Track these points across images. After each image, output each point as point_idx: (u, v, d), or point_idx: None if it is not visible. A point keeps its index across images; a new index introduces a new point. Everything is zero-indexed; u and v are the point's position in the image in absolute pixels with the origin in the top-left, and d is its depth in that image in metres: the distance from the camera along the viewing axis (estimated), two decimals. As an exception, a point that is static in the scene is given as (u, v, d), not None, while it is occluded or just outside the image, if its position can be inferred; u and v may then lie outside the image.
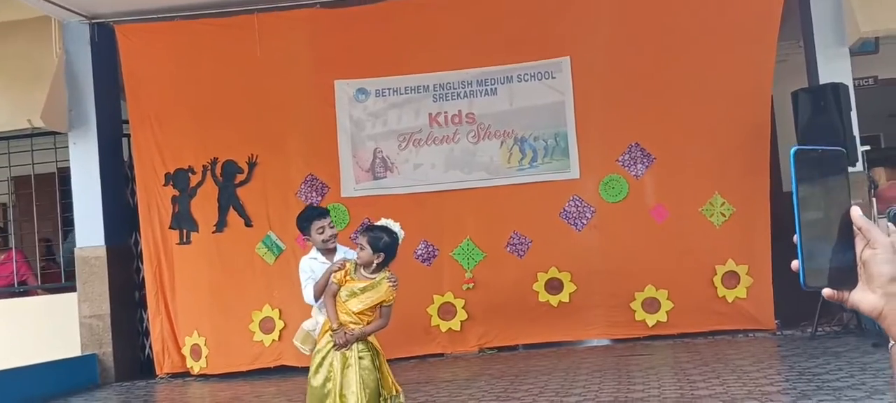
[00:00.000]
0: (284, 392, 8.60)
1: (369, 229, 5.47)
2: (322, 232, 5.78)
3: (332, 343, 5.28)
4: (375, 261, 5.33)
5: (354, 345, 5.24)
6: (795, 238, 1.28)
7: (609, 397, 6.67)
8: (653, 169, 9.82)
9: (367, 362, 5.25)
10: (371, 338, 5.34)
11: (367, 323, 5.30)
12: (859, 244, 1.31)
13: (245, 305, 9.95)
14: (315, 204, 9.90)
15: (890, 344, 1.45)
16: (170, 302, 10.25)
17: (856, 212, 1.31)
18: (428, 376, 8.71)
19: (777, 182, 9.90)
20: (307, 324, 5.68)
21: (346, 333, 5.23)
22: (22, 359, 9.50)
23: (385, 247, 5.34)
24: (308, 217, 5.93)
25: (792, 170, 1.28)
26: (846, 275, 1.30)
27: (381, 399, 5.30)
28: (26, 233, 11.87)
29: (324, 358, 5.30)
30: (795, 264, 1.29)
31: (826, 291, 1.31)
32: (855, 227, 1.31)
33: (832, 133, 8.58)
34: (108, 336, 10.19)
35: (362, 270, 5.37)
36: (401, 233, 5.47)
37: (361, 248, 5.36)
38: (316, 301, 5.60)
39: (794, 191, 1.27)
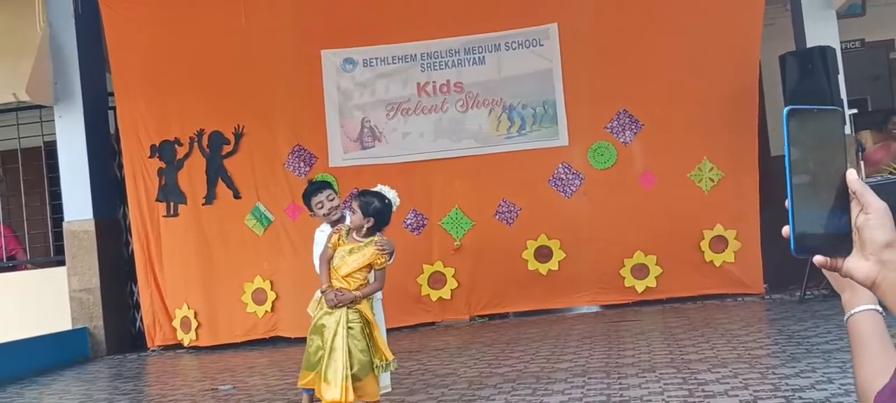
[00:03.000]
0: (277, 362, 8.62)
1: (362, 194, 5.50)
2: (321, 207, 5.83)
3: (325, 312, 5.30)
4: (365, 225, 5.34)
5: (345, 314, 5.25)
6: (787, 203, 1.22)
7: (599, 362, 6.71)
8: (641, 135, 9.82)
9: (356, 330, 5.28)
10: (362, 309, 5.33)
11: (356, 288, 5.31)
12: (854, 209, 1.26)
13: (236, 277, 9.94)
14: (303, 175, 9.90)
15: (845, 316, 1.42)
16: (159, 275, 10.24)
17: (852, 176, 1.25)
18: (419, 344, 8.75)
19: (765, 146, 9.92)
20: (319, 293, 5.67)
21: (336, 293, 5.25)
22: (12, 334, 9.49)
23: (375, 212, 5.35)
24: (307, 194, 6.00)
25: (785, 132, 1.22)
26: (840, 242, 1.25)
27: (374, 366, 5.31)
28: (14, 208, 11.81)
29: (321, 326, 5.32)
30: (786, 230, 1.23)
31: (818, 258, 1.25)
32: (850, 191, 1.26)
33: (820, 96, 8.59)
34: (98, 309, 10.18)
35: (354, 234, 5.39)
36: (395, 201, 5.49)
37: (353, 212, 5.42)
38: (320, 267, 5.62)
39: (786, 153, 1.22)
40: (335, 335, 5.23)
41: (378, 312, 5.71)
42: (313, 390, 5.36)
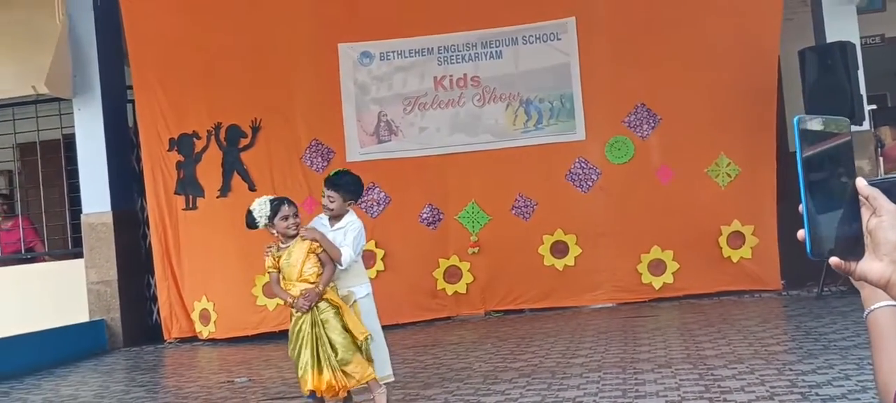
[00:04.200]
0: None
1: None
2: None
3: (300, 317, 5.42)
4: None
5: (315, 310, 5.38)
6: (801, 207, 1.26)
7: (615, 358, 6.69)
8: (659, 129, 9.78)
9: (330, 319, 5.38)
10: (329, 296, 5.44)
11: (315, 280, 5.41)
12: (865, 213, 1.29)
13: (249, 270, 9.94)
14: (320, 170, 9.87)
15: (865, 312, 1.43)
16: (176, 268, 10.27)
17: (861, 182, 1.29)
18: (435, 339, 8.74)
19: (784, 141, 9.86)
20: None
21: (303, 298, 5.37)
22: (30, 325, 9.55)
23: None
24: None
25: (796, 139, 1.26)
26: (852, 245, 1.28)
27: (360, 349, 5.42)
28: (32, 200, 11.88)
29: (297, 330, 5.45)
30: (802, 233, 1.27)
31: (833, 260, 1.28)
32: (861, 197, 1.29)
33: (839, 92, 8.53)
34: (115, 301, 10.24)
35: (280, 243, 5.53)
36: (258, 207, 5.51)
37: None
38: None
39: (798, 159, 1.25)
40: (311, 335, 5.37)
41: (368, 307, 5.70)
42: (314, 392, 5.41)
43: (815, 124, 1.28)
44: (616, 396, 5.35)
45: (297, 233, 5.53)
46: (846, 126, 1.30)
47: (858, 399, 4.70)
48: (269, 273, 5.61)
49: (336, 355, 5.32)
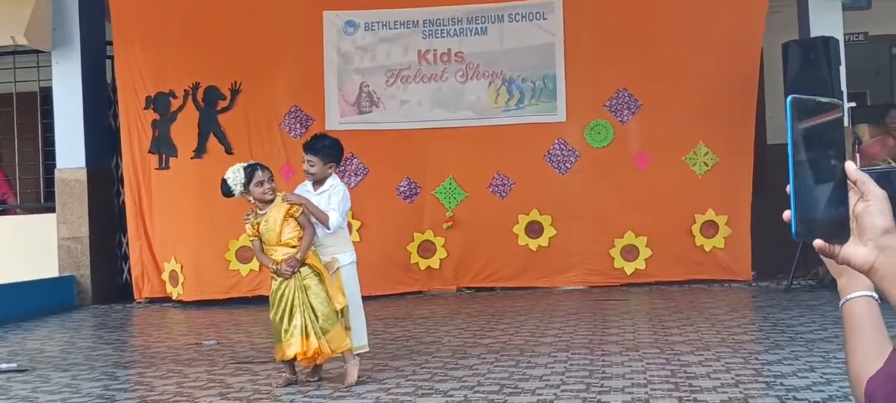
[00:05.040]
0: (261, 321, 8.58)
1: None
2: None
3: (282, 282, 5.45)
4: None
5: (299, 273, 5.42)
6: (788, 188, 1.25)
7: (584, 339, 6.71)
8: (639, 115, 9.80)
9: (312, 286, 5.42)
10: (310, 261, 5.46)
11: (294, 246, 5.43)
12: (853, 197, 1.28)
13: (222, 233, 9.88)
14: (299, 136, 9.83)
15: (841, 301, 1.43)
16: (149, 227, 10.20)
17: (850, 166, 1.28)
18: (406, 312, 8.74)
19: (762, 133, 9.90)
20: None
21: (286, 263, 5.41)
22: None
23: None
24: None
25: (787, 119, 1.24)
26: (838, 229, 1.27)
27: (339, 316, 5.45)
28: (6, 152, 11.75)
29: (279, 295, 5.47)
30: (787, 214, 1.26)
31: (817, 243, 1.27)
32: (849, 181, 1.28)
33: (820, 87, 8.55)
34: (86, 258, 10.16)
35: (256, 210, 5.55)
36: (232, 174, 5.52)
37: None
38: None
39: (788, 140, 1.24)
40: (293, 300, 5.41)
41: (351, 275, 5.70)
42: (286, 360, 5.43)
43: (807, 104, 1.27)
44: (583, 376, 5.37)
45: (274, 198, 5.51)
46: (838, 107, 1.29)
47: (822, 391, 4.74)
48: (251, 241, 5.64)
49: (318, 320, 5.35)
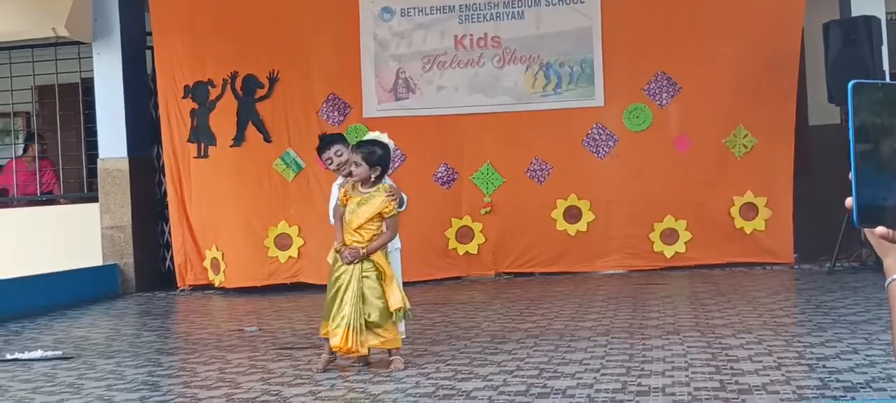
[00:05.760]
0: (302, 307, 8.69)
1: (361, 144, 5.58)
2: (331, 163, 5.85)
3: (342, 265, 5.45)
4: (373, 175, 5.43)
5: (361, 264, 5.38)
6: (850, 175, 1.24)
7: (624, 323, 6.69)
8: (678, 98, 9.73)
9: (371, 281, 5.40)
10: (377, 259, 5.43)
11: (370, 238, 5.39)
12: None
13: (261, 221, 9.98)
14: (337, 124, 9.89)
15: (887, 281, 1.42)
16: (190, 215, 10.31)
17: None
18: (445, 297, 8.77)
19: (803, 115, 9.78)
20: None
21: (349, 251, 5.40)
22: (44, 267, 9.63)
23: (379, 160, 5.46)
24: (318, 150, 5.96)
25: (849, 105, 1.23)
26: None
27: (392, 316, 5.42)
28: (50, 143, 11.92)
29: (337, 277, 5.46)
30: (849, 201, 1.25)
31: (879, 229, 1.26)
32: None
33: (862, 67, 8.44)
34: (129, 247, 10.30)
35: (360, 187, 5.48)
36: (391, 144, 5.54)
37: (357, 165, 5.48)
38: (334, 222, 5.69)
39: (850, 126, 1.23)
40: (348, 286, 5.40)
41: (395, 262, 5.75)
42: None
43: (870, 89, 1.25)
44: (623, 360, 5.36)
45: (351, 175, 5.55)
46: None
47: (866, 372, 4.69)
48: (339, 203, 5.55)
49: (369, 315, 5.35)
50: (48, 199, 11.38)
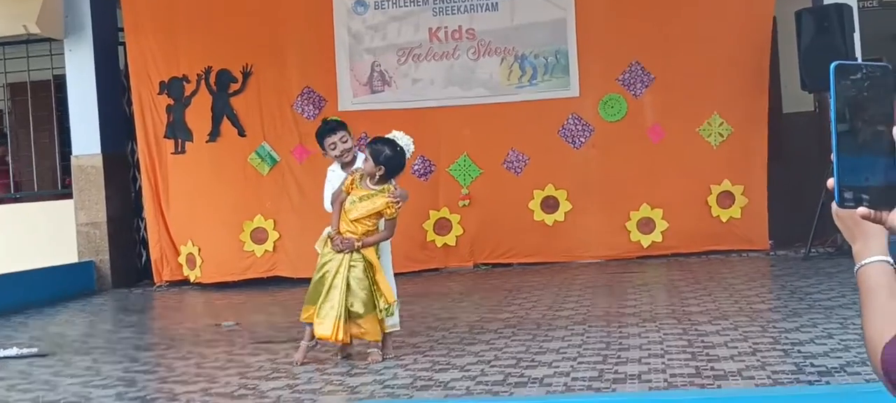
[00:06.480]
0: (279, 301, 8.67)
1: (374, 141, 5.54)
2: (334, 148, 5.73)
3: (329, 254, 5.43)
4: (377, 173, 5.38)
5: (350, 255, 5.34)
6: (832, 156, 1.25)
7: (601, 311, 6.73)
8: (652, 88, 9.76)
9: (358, 270, 5.37)
10: (366, 252, 5.41)
11: (364, 233, 5.37)
12: None
13: (236, 215, 9.94)
14: (312, 118, 9.85)
15: (856, 266, 1.43)
16: (166, 211, 10.26)
17: None
18: (423, 289, 8.77)
19: (776, 103, 9.84)
20: (328, 230, 5.68)
21: (342, 240, 5.37)
22: (19, 265, 9.56)
23: (386, 161, 5.39)
24: (320, 134, 5.91)
25: (831, 86, 1.24)
26: (889, 195, 1.27)
27: (377, 309, 5.40)
28: (23, 140, 11.82)
29: (324, 264, 5.45)
30: (831, 182, 1.26)
31: (861, 210, 1.27)
32: None
33: (834, 55, 8.48)
34: (104, 243, 10.23)
35: (368, 181, 5.44)
36: (409, 147, 5.49)
37: (365, 159, 5.48)
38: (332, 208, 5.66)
39: (831, 107, 1.24)
40: (336, 274, 5.38)
41: (385, 255, 5.73)
42: (313, 324, 5.43)
43: (851, 70, 1.25)
44: (600, 348, 5.38)
45: (350, 163, 5.56)
46: (888, 73, 1.27)
47: (840, 356, 4.73)
48: (342, 191, 5.50)
49: (352, 305, 5.33)
50: (22, 196, 11.28)
